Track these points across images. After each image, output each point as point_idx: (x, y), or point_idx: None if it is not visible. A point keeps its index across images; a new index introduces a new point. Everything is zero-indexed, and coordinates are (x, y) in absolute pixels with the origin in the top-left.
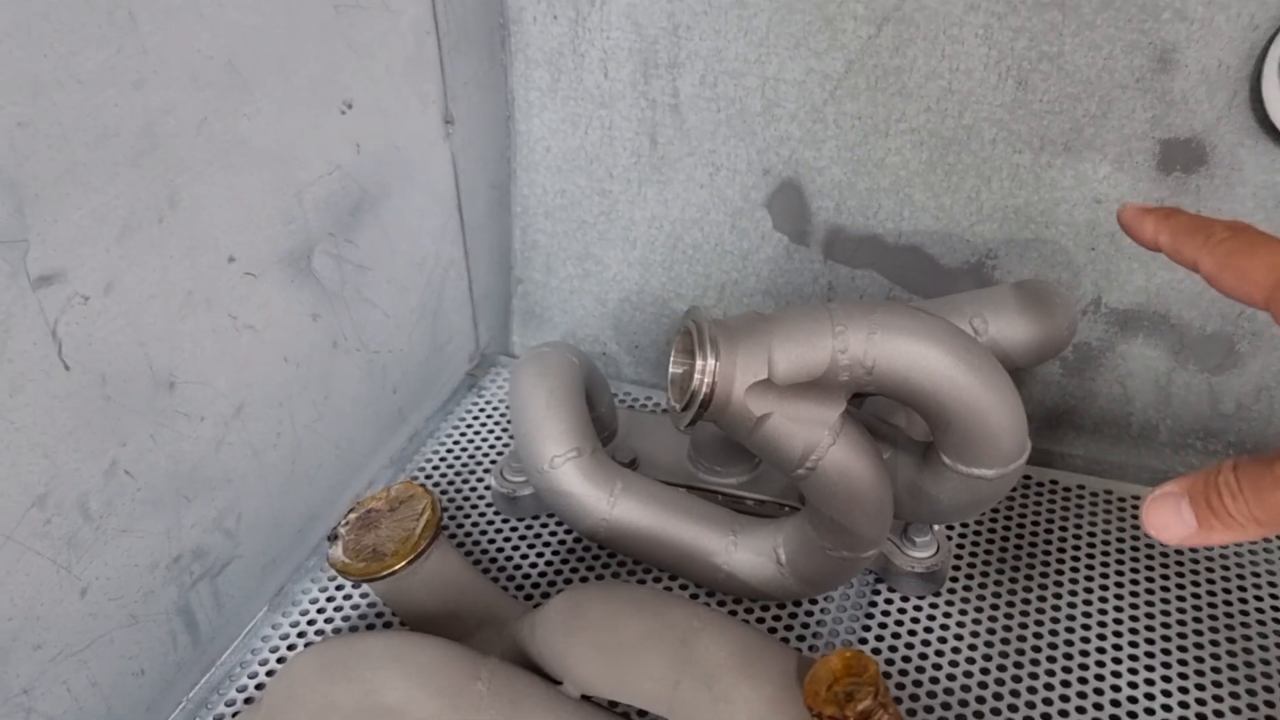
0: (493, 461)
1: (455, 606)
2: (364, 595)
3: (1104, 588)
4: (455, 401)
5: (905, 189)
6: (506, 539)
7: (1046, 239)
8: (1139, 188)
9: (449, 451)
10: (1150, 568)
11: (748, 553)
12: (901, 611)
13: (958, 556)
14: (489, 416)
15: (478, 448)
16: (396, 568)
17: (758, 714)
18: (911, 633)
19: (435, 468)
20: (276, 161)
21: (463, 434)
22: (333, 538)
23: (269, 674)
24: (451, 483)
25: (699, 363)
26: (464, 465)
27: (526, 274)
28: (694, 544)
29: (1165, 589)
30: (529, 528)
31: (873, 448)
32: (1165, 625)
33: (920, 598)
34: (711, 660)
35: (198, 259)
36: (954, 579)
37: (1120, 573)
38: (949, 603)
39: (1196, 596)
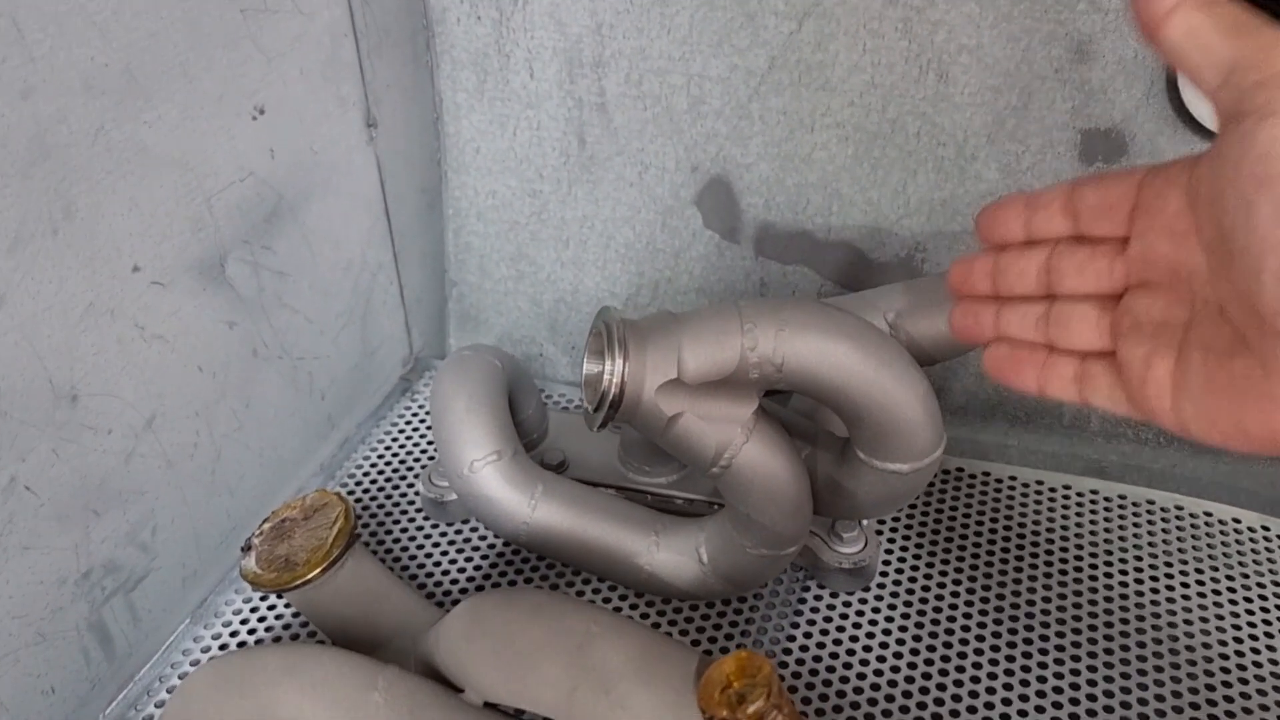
0: (424, 467)
1: (371, 615)
2: (288, 606)
3: (1033, 578)
4: (388, 407)
5: (833, 184)
6: (435, 544)
7: (973, 230)
8: (1062, 178)
9: (380, 458)
10: (1080, 558)
11: (670, 553)
12: (830, 608)
13: (888, 551)
14: (422, 421)
15: (409, 453)
16: (308, 577)
17: (654, 718)
18: (840, 629)
19: (366, 474)
20: (182, 169)
21: (394, 439)
22: (246, 548)
23: None
24: (382, 489)
25: (608, 364)
26: (395, 471)
27: (461, 276)
28: (616, 545)
29: (1094, 579)
30: (458, 532)
31: (788, 444)
32: (1093, 615)
33: (850, 594)
34: (608, 666)
35: (98, 269)
36: (884, 574)
37: (1050, 564)
38: (879, 598)
39: (1124, 585)
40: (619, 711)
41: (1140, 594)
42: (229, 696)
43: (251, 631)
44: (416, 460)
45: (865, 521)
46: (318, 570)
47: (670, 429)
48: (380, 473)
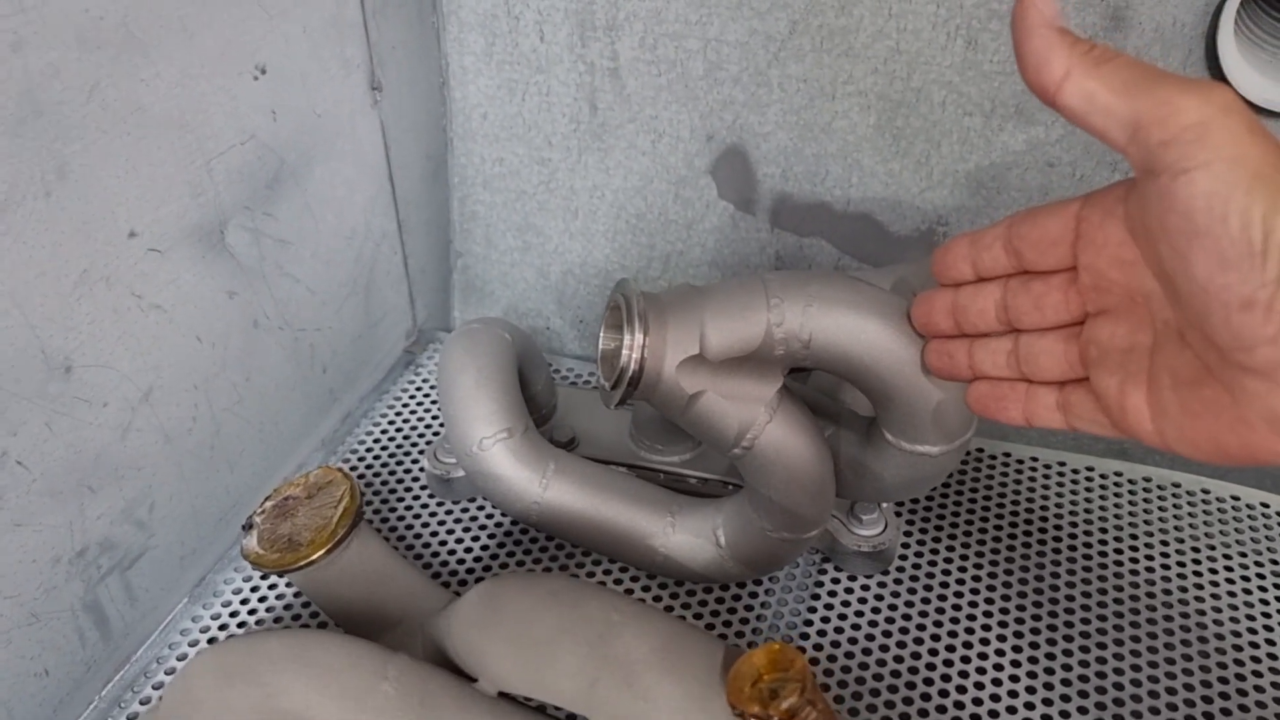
0: (428, 442)
1: (378, 597)
2: (290, 585)
3: (1055, 562)
4: (391, 381)
5: (853, 154)
6: (441, 523)
7: (998, 204)
8: (1092, 151)
9: (383, 433)
10: (1104, 541)
11: (686, 534)
12: (849, 592)
13: (907, 534)
14: (426, 396)
15: (413, 428)
16: (312, 558)
17: (679, 712)
18: (859, 614)
19: (369, 450)
20: (181, 130)
21: (398, 414)
22: (247, 527)
23: None
24: (385, 465)
25: (627, 338)
26: (399, 447)
27: (466, 247)
28: (630, 526)
29: (1119, 563)
30: (464, 510)
31: (812, 424)
32: (1118, 601)
33: (868, 577)
34: (631, 656)
35: (93, 234)
36: (904, 557)
37: (1073, 547)
38: (898, 582)
39: (1150, 570)
40: (642, 705)
41: (1167, 579)
42: (232, 684)
43: (252, 611)
44: (421, 436)
45: (885, 504)
46: (322, 551)
47: (691, 408)
48: (384, 448)
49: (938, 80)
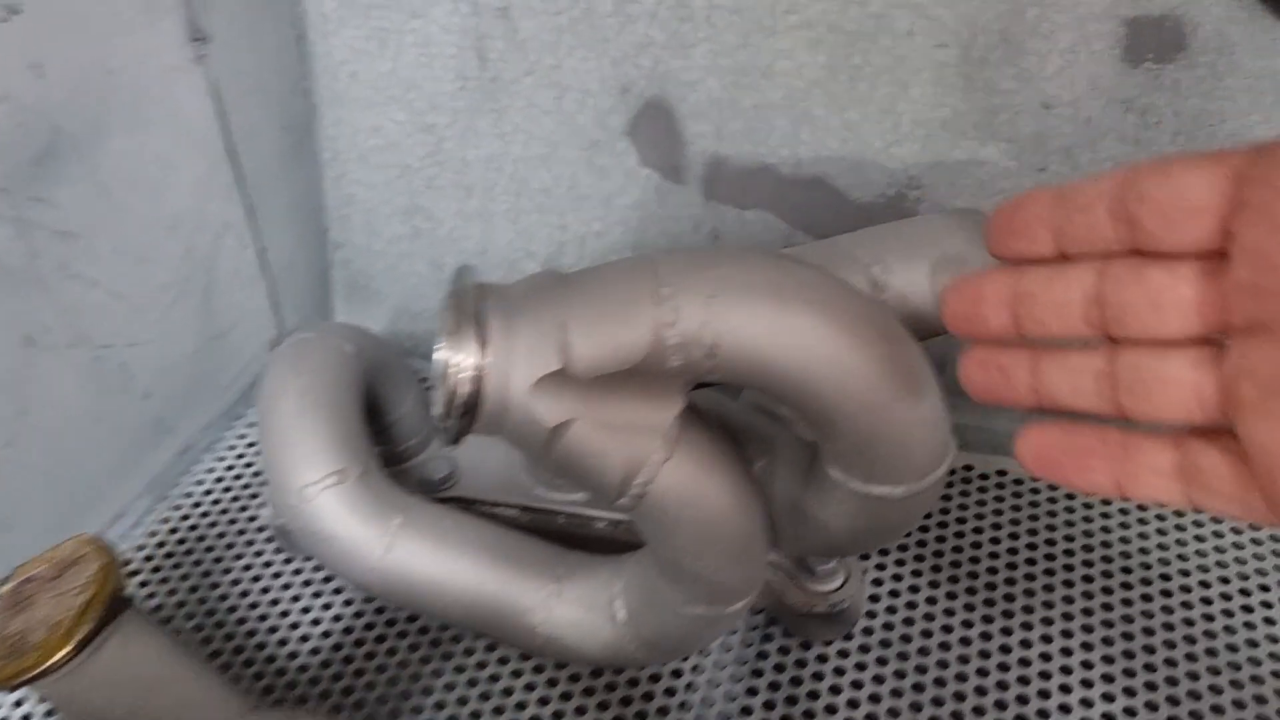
0: None
1: (148, 716)
2: None
3: (1067, 615)
4: (246, 404)
5: (802, 103)
6: (286, 586)
7: (983, 159)
8: (1100, 85)
9: (228, 470)
10: (1127, 585)
11: (575, 608)
12: (800, 665)
13: (876, 584)
14: None
15: None
16: (43, 667)
17: None
18: (813, 695)
19: (208, 493)
20: None
21: (251, 445)
22: None
23: None
24: (226, 511)
25: (459, 352)
26: (246, 488)
27: (345, 236)
28: (500, 598)
29: (1147, 613)
30: (316, 570)
31: (729, 460)
32: (1149, 659)
33: (826, 644)
34: None
35: None
36: (871, 615)
37: (1088, 592)
38: (864, 649)
39: (1188, 618)
40: None
41: (1208, 629)
42: None
43: (26, 718)
44: None
45: None
46: (60, 655)
47: (555, 444)
48: (227, 490)
49: (902, 4)
